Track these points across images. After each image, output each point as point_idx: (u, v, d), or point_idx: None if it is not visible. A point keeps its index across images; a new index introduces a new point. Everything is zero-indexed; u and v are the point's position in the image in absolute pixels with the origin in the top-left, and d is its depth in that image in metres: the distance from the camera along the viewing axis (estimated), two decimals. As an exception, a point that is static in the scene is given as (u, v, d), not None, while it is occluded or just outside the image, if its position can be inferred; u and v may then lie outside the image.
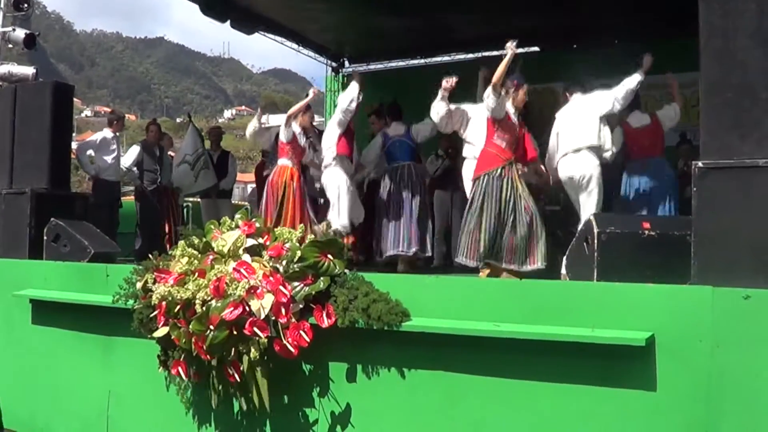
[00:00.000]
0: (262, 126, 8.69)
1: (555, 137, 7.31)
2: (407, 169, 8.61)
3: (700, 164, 4.26)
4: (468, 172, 7.24)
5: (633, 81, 7.14)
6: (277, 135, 8.24)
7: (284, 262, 5.01)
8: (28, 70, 8.21)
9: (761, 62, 4.19)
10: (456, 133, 7.75)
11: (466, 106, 7.31)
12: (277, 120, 9.92)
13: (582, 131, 7.09)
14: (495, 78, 6.42)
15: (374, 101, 9.05)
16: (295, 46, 13.66)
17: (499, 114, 6.54)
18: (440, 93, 7.14)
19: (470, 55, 12.94)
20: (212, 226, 5.54)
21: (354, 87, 8.06)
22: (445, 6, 10.92)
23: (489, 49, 12.44)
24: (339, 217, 7.83)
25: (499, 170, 6.54)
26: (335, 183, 8.04)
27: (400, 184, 8.45)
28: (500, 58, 6.50)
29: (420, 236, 8.32)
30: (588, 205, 6.93)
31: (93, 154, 9.99)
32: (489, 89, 6.48)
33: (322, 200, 9.01)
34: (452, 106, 7.20)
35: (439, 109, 7.18)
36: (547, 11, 10.84)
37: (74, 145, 9.80)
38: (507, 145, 6.58)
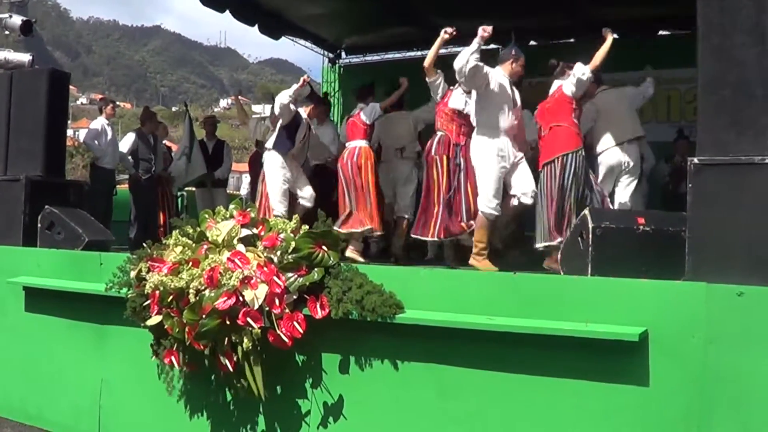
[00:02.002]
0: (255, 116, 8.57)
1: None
2: None
3: (695, 161, 4.26)
4: (475, 143, 6.89)
5: (652, 85, 7.80)
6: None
7: (278, 253, 5.00)
8: (25, 57, 8.17)
9: (758, 59, 4.19)
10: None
11: (489, 69, 6.72)
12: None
13: (629, 124, 7.47)
14: (598, 62, 6.65)
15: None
16: (292, 36, 13.63)
17: (579, 93, 6.71)
18: (476, 43, 6.48)
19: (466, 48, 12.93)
20: (207, 216, 5.53)
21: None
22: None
23: (486, 43, 12.48)
24: None
25: (582, 150, 6.56)
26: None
27: None
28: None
29: None
30: (628, 189, 7.42)
31: (98, 143, 10.13)
32: (585, 68, 6.61)
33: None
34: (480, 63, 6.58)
35: (471, 59, 6.46)
36: (543, 9, 10.91)
37: (80, 137, 9.98)
38: (580, 125, 6.67)
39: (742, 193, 4.12)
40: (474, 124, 6.96)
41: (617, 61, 7.15)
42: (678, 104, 11.52)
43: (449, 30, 6.90)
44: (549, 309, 4.30)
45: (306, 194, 8.07)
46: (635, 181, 7.43)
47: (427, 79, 7.33)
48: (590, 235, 4.81)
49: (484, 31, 6.49)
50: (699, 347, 3.91)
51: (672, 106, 11.60)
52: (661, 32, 11.65)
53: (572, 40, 12.33)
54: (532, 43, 12.19)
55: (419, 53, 13.60)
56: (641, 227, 4.78)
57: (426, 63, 7.18)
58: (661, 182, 9.96)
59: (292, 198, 8.04)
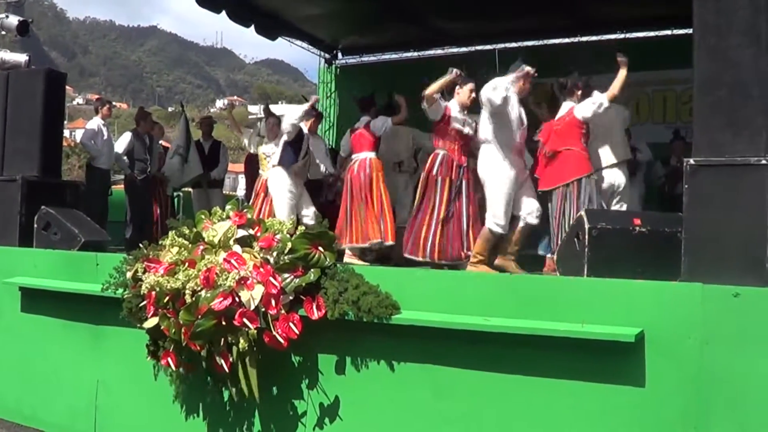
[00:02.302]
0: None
1: None
2: None
3: (691, 161, 4.26)
4: (488, 160, 6.73)
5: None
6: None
7: (275, 254, 5.00)
8: (21, 57, 8.16)
9: (754, 60, 4.20)
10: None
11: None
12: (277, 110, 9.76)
13: (621, 145, 7.33)
14: (616, 91, 6.52)
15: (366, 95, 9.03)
16: (288, 37, 13.60)
17: (590, 120, 6.64)
18: (515, 77, 6.57)
19: (463, 49, 12.95)
20: (203, 217, 5.52)
21: None
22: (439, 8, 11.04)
23: (482, 44, 12.52)
24: None
25: (593, 174, 6.53)
26: None
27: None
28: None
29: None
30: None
31: (95, 143, 10.15)
32: (603, 98, 6.53)
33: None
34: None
35: (501, 94, 6.46)
36: (543, 9, 10.90)
37: (76, 138, 9.99)
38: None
39: (738, 194, 4.13)
40: (485, 141, 6.78)
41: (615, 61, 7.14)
42: (674, 105, 11.51)
43: (457, 71, 6.96)
44: (545, 310, 4.30)
45: (309, 213, 8.06)
46: (626, 206, 7.26)
47: (426, 105, 7.00)
48: (586, 236, 4.81)
49: (527, 74, 6.63)
50: (695, 348, 3.92)
51: (668, 107, 11.60)
52: (658, 32, 11.63)
53: (571, 40, 12.30)
54: (532, 43, 12.19)
55: (416, 54, 13.64)
56: (637, 228, 4.79)
57: (427, 92, 6.89)
58: (657, 183, 9.95)
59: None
